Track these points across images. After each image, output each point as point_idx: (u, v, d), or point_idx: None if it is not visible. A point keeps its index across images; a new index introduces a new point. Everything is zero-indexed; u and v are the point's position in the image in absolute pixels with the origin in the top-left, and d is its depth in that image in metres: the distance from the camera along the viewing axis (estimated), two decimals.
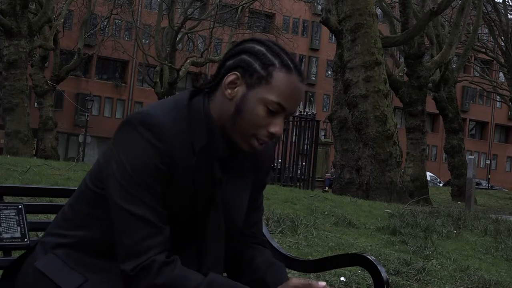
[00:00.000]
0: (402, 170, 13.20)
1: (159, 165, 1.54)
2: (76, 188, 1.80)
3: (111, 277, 1.57)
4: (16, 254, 2.03)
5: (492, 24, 29.07)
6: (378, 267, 1.89)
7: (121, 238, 1.54)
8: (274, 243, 2.23)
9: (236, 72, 1.60)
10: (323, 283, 1.54)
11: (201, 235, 1.66)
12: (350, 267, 3.62)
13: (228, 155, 1.65)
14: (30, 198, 4.31)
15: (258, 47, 1.62)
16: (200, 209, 1.63)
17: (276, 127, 1.60)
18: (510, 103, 37.59)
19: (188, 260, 1.60)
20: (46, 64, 26.00)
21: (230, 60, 1.64)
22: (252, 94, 1.59)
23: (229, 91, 1.60)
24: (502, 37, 28.88)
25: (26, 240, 1.94)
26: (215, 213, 1.66)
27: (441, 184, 40.71)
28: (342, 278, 4.10)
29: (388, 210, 7.65)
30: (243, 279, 1.72)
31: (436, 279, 4.64)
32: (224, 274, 1.79)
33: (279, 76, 1.58)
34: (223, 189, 1.66)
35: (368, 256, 1.94)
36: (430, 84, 20.32)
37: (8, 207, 1.95)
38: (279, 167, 13.49)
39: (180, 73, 30.91)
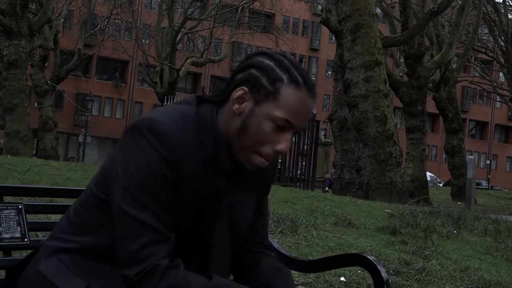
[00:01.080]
0: (402, 170, 13.20)
1: (165, 173, 1.53)
2: (76, 188, 1.80)
3: (114, 282, 1.56)
4: (16, 254, 2.03)
5: (492, 24, 29.06)
6: (378, 267, 1.89)
7: (124, 243, 1.52)
8: (274, 243, 2.23)
9: (244, 87, 1.58)
10: None
11: (206, 246, 1.65)
12: (350, 267, 3.62)
13: (234, 167, 1.63)
14: (30, 198, 4.31)
15: (267, 62, 1.59)
16: (205, 219, 1.62)
17: (283, 145, 1.57)
18: (510, 103, 37.59)
19: (192, 267, 1.59)
20: (46, 64, 26.00)
21: (239, 73, 1.61)
22: (259, 110, 1.56)
23: (236, 106, 1.58)
24: (502, 37, 28.88)
25: (26, 240, 1.94)
26: (220, 226, 1.65)
27: (441, 184, 40.71)
28: (342, 278, 4.10)
29: (388, 210, 7.64)
30: (249, 285, 1.71)
31: (436, 279, 4.64)
32: (230, 278, 1.79)
33: (287, 92, 1.56)
34: (228, 200, 1.65)
35: (368, 256, 1.94)
36: (430, 84, 20.32)
37: (8, 207, 1.95)
38: (279, 167, 13.49)
39: (180, 73, 30.90)
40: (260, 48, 49.38)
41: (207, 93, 1.67)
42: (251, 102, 1.57)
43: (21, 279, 1.69)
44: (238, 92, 1.58)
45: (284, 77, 1.57)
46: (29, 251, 1.79)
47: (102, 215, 1.62)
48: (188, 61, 31.40)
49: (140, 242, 1.51)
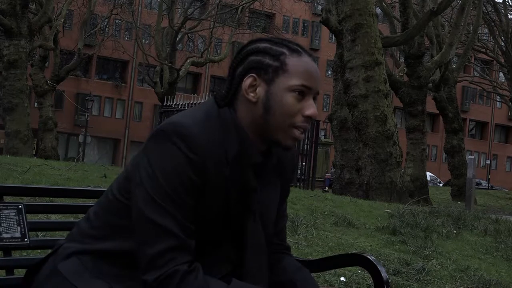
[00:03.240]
0: (402, 170, 13.20)
1: (193, 177, 1.53)
2: (76, 188, 1.80)
3: (135, 286, 1.55)
4: (16, 254, 2.03)
5: (492, 24, 29.05)
6: (378, 267, 1.89)
7: (143, 248, 1.52)
8: None
9: (251, 74, 1.60)
10: None
11: (239, 244, 1.64)
12: (350, 267, 3.62)
13: (261, 161, 1.64)
14: (30, 198, 4.31)
15: (262, 44, 1.63)
16: (234, 218, 1.62)
17: (310, 109, 1.61)
18: (510, 103, 37.58)
19: (215, 267, 1.59)
20: (46, 64, 25.97)
21: (239, 67, 1.63)
22: (274, 87, 1.59)
23: (251, 94, 1.60)
24: (502, 37, 28.86)
25: (26, 240, 1.94)
26: (253, 223, 1.64)
27: (441, 184, 40.70)
28: (342, 278, 4.09)
29: (388, 210, 7.64)
30: (271, 280, 1.71)
31: (436, 279, 4.64)
32: None
33: (293, 61, 1.60)
34: (258, 197, 1.65)
35: (368, 256, 1.94)
36: (430, 84, 20.31)
37: (8, 207, 1.95)
38: None
39: (180, 73, 30.88)
40: None
41: (215, 94, 1.68)
42: (264, 85, 1.60)
43: (38, 278, 1.67)
44: (247, 81, 1.60)
45: (284, 49, 1.61)
46: (30, 251, 1.79)
47: (124, 220, 1.61)
48: (188, 61, 31.38)
49: (159, 247, 1.50)
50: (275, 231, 1.80)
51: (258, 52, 1.61)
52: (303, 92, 1.60)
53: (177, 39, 32.68)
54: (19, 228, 1.94)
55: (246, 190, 1.62)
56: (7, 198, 2.09)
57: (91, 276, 1.58)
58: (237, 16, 32.83)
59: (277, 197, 1.75)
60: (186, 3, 34.54)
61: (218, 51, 44.41)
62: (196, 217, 1.56)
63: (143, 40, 37.22)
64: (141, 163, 1.56)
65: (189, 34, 36.16)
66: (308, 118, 1.61)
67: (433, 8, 15.55)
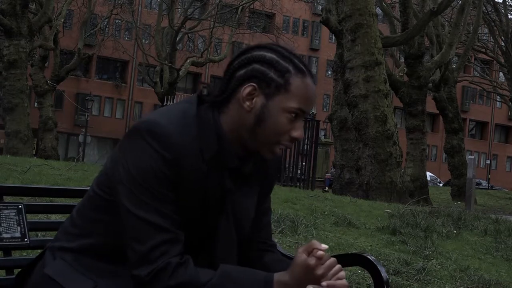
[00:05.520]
0: (402, 170, 13.20)
1: (168, 174, 1.53)
2: (76, 188, 1.81)
3: (120, 281, 1.56)
4: (16, 254, 2.03)
5: (492, 24, 29.05)
6: (378, 267, 1.89)
7: (134, 244, 1.52)
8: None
9: (252, 83, 1.58)
10: (325, 246, 1.59)
11: (212, 244, 1.65)
12: (350, 267, 3.61)
13: (238, 165, 1.63)
14: (30, 198, 4.31)
15: (269, 55, 1.60)
16: (209, 217, 1.62)
17: (298, 131, 1.61)
18: (510, 103, 37.59)
19: (200, 265, 1.59)
20: (46, 64, 25.97)
21: (240, 70, 1.61)
22: (272, 103, 1.58)
23: (247, 103, 1.58)
24: (502, 37, 28.86)
25: (26, 240, 1.95)
26: (225, 222, 1.65)
27: (441, 184, 40.70)
28: None
29: (388, 210, 7.64)
30: None
31: (436, 279, 4.64)
32: None
33: (296, 82, 1.58)
34: (233, 198, 1.65)
35: (368, 256, 1.94)
36: (430, 84, 20.31)
37: (8, 207, 1.95)
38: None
39: (180, 73, 30.88)
40: None
41: (207, 92, 1.67)
42: (262, 97, 1.58)
43: (28, 284, 1.68)
44: (247, 89, 1.58)
45: (290, 67, 1.59)
46: (30, 251, 1.79)
47: (104, 215, 1.62)
48: (188, 61, 31.38)
49: (150, 243, 1.51)
50: (258, 227, 1.80)
51: (264, 62, 1.59)
52: (297, 115, 1.60)
53: (177, 39, 32.66)
54: (19, 228, 1.94)
55: (222, 191, 1.62)
56: (7, 198, 2.09)
57: (76, 273, 1.59)
58: (237, 16, 32.82)
59: (254, 197, 1.75)
60: (186, 3, 34.54)
61: (218, 51, 44.41)
62: (178, 213, 1.57)
63: (143, 40, 37.22)
64: (119, 161, 1.57)
65: (189, 34, 36.16)
66: (294, 139, 1.62)
67: (433, 8, 15.56)
